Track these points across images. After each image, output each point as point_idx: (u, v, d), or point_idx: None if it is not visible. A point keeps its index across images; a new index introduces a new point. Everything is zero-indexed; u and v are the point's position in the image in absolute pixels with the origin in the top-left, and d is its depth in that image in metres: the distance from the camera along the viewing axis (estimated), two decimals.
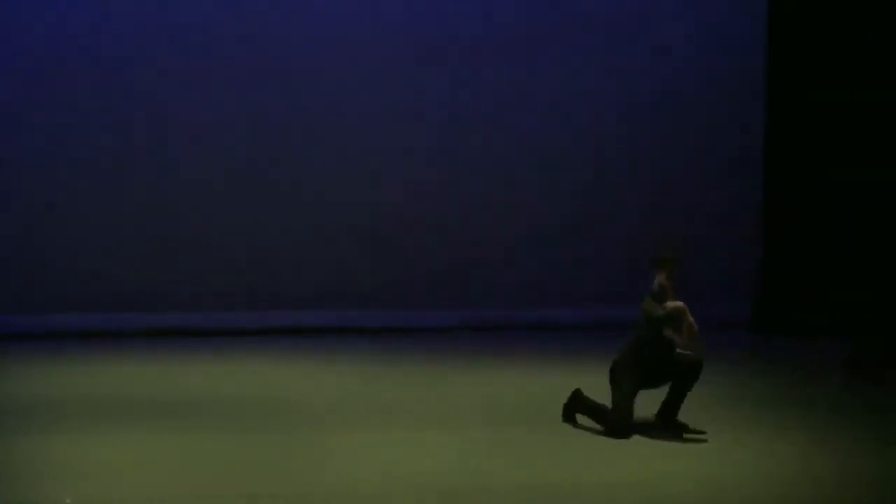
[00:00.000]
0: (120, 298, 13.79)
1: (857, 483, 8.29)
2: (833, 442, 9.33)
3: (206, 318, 13.93)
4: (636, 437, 9.32)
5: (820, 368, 12.28)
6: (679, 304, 9.36)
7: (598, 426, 9.56)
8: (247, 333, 13.90)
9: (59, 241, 13.80)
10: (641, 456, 8.91)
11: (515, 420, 9.92)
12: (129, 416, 9.90)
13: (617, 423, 9.41)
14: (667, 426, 9.55)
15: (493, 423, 9.84)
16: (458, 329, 14.22)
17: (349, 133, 14.23)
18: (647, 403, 9.60)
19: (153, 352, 12.95)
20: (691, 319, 9.32)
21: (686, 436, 9.38)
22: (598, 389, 9.66)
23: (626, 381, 9.43)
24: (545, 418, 9.80)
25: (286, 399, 10.63)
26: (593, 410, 9.70)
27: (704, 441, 9.22)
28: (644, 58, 14.59)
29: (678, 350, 9.34)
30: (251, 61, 14.05)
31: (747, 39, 14.42)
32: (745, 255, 14.39)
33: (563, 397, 9.86)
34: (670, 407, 9.59)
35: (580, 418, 9.71)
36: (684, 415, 9.57)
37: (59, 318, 13.64)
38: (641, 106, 14.60)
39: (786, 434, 9.53)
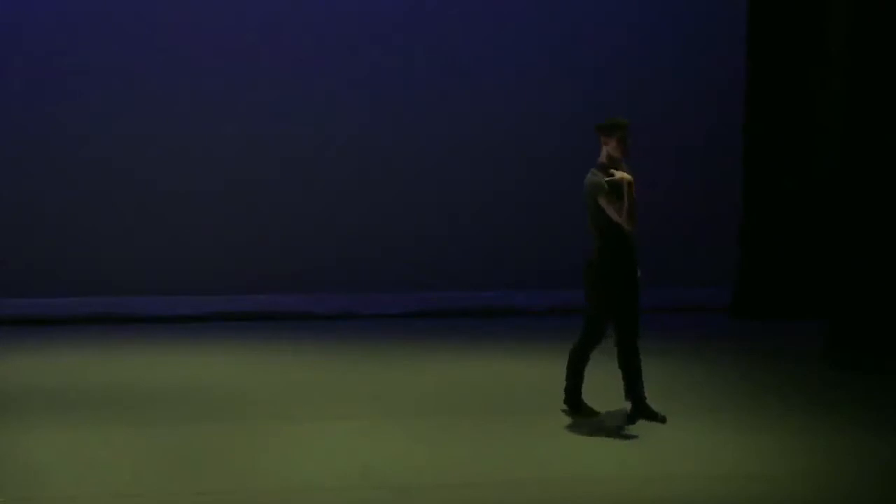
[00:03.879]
0: (63, 283, 13.50)
1: (838, 479, 8.08)
2: (812, 432, 9.10)
3: (158, 304, 13.58)
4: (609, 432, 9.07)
5: (798, 354, 12.02)
6: (627, 175, 9.00)
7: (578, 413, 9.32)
8: (201, 320, 13.45)
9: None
10: (616, 451, 8.67)
11: (476, 410, 9.68)
12: (74, 408, 9.65)
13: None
14: (636, 412, 9.24)
15: (451, 413, 9.63)
16: None
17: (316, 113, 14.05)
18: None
19: (96, 340, 12.49)
20: (633, 196, 8.98)
21: (652, 424, 9.10)
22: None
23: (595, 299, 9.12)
24: (509, 408, 9.61)
25: (239, 389, 10.38)
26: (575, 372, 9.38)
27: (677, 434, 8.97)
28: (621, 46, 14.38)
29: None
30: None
31: (728, 47, 14.14)
32: (726, 238, 14.07)
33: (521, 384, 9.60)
34: (629, 386, 9.23)
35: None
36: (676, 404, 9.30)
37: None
38: (617, 82, 14.27)
39: (760, 425, 9.29)
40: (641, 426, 9.12)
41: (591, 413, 9.35)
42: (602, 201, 9.03)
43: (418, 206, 14.21)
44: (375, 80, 14.14)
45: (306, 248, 14.03)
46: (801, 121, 13.95)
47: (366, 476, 7.94)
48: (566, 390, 9.38)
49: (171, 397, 10.05)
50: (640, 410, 9.25)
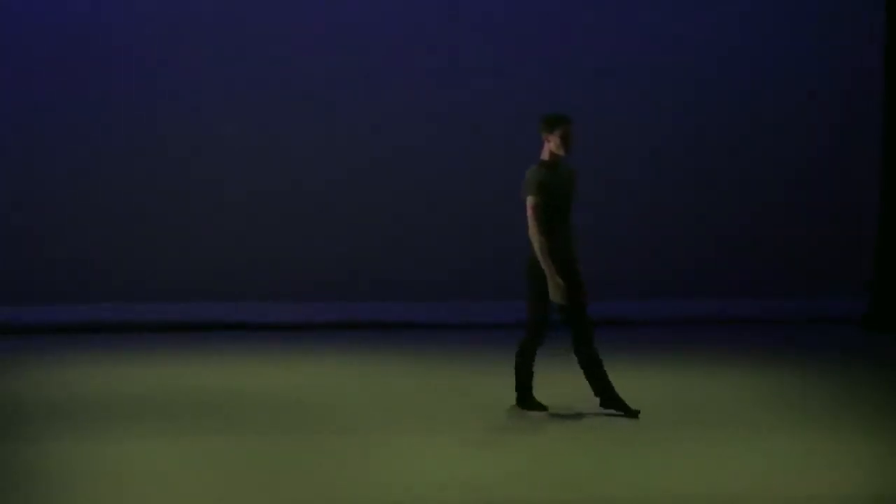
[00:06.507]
0: (111, 290, 13.47)
1: None
2: None
3: (210, 311, 13.60)
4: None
5: None
6: (560, 283, 8.95)
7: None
8: (254, 328, 13.48)
9: (38, 230, 13.56)
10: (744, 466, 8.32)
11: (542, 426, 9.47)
12: (141, 418, 9.49)
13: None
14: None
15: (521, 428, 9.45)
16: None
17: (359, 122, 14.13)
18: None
19: (153, 348, 12.41)
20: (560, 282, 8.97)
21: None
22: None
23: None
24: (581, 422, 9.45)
25: (309, 399, 10.27)
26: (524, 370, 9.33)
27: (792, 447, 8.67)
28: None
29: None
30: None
31: (865, 45, 14.11)
32: (859, 248, 13.96)
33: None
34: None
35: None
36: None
37: (42, 311, 13.28)
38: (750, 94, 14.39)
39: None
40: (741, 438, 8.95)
41: (541, 407, 9.36)
42: (529, 201, 8.99)
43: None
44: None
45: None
46: None
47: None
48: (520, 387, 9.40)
49: (238, 407, 9.95)
50: (610, 402, 9.29)
